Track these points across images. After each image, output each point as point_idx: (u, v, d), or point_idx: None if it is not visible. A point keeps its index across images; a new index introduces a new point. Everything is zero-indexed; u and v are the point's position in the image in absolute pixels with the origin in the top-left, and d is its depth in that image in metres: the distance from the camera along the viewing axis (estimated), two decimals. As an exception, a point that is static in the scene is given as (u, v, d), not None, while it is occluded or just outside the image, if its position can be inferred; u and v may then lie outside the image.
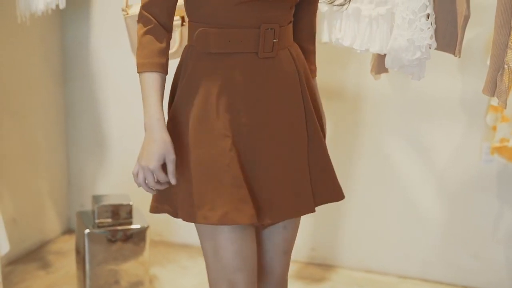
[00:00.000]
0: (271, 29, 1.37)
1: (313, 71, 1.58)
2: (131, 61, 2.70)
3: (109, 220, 2.48)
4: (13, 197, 2.76)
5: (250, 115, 1.39)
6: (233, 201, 1.34)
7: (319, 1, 1.56)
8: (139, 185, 1.38)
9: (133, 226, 2.50)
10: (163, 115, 1.37)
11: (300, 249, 2.78)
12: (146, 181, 1.37)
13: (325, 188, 1.51)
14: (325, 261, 2.81)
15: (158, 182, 1.38)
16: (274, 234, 1.53)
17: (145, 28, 1.36)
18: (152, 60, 1.35)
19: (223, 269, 1.39)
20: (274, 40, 1.38)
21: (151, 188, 1.39)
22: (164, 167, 1.37)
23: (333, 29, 1.92)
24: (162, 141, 1.34)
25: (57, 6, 2.52)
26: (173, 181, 1.36)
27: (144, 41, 1.35)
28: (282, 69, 1.42)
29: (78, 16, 2.97)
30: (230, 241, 1.38)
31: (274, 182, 1.43)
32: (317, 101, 1.54)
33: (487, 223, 2.58)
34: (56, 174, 3.06)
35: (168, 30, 1.39)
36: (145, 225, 2.52)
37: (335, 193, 1.53)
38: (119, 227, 2.48)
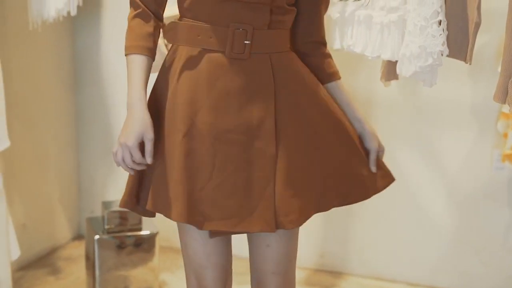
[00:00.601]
0: (242, 29, 1.36)
1: (334, 73, 1.57)
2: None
3: (119, 226, 2.49)
4: (24, 203, 2.77)
5: (212, 115, 1.37)
6: (169, 195, 1.37)
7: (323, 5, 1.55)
8: (118, 164, 1.40)
9: (143, 232, 2.51)
10: (145, 96, 1.39)
11: (309, 256, 2.77)
12: (124, 160, 1.39)
13: (303, 202, 1.41)
14: (334, 268, 2.81)
15: (135, 162, 1.39)
16: (257, 253, 1.49)
17: (134, 12, 1.42)
18: (138, 43, 1.39)
19: (190, 264, 1.48)
20: (246, 42, 1.36)
21: (129, 168, 1.40)
22: (142, 147, 1.39)
23: (344, 36, 1.92)
24: (141, 120, 1.36)
25: (68, 13, 2.54)
26: (149, 161, 1.38)
27: (132, 25, 1.42)
28: (253, 74, 1.39)
29: (89, 22, 2.99)
30: (193, 238, 1.45)
31: (225, 188, 1.37)
32: (332, 106, 1.51)
33: (497, 231, 2.57)
34: (66, 179, 3.07)
35: (157, 17, 1.43)
36: (155, 231, 2.52)
37: (305, 212, 1.42)
38: (129, 233, 2.49)
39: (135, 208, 1.50)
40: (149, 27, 1.41)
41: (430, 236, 2.66)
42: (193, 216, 1.37)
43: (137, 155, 1.38)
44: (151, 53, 1.41)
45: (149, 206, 1.42)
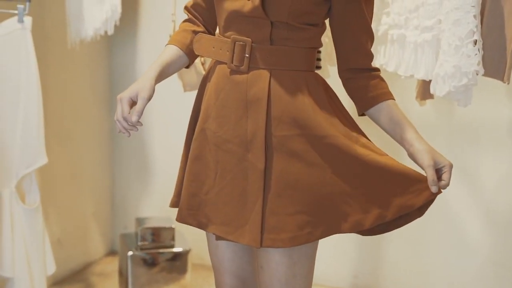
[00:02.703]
0: (242, 43, 1.40)
1: (379, 96, 1.45)
2: (176, 86, 2.76)
3: (152, 242, 2.50)
4: (59, 218, 2.82)
5: (216, 124, 1.44)
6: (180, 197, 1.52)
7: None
8: (115, 120, 1.42)
9: (175, 249, 2.52)
10: (157, 69, 1.46)
11: (343, 277, 2.74)
12: (116, 114, 1.40)
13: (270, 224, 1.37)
14: (367, 289, 2.77)
15: (123, 121, 1.39)
16: (257, 274, 1.47)
17: (184, 19, 1.57)
18: (174, 37, 1.53)
19: (213, 269, 1.58)
20: (246, 55, 1.39)
21: (121, 126, 1.40)
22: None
23: (377, 55, 1.91)
24: (141, 81, 1.42)
25: (106, 32, 2.59)
26: (133, 118, 1.38)
27: (179, 27, 1.56)
28: (251, 88, 1.40)
29: (125, 41, 3.05)
30: (209, 240, 1.56)
31: (224, 195, 1.42)
32: (337, 135, 1.39)
33: (536, 254, 2.50)
34: (100, 196, 3.11)
35: (205, 26, 1.55)
36: (187, 248, 2.53)
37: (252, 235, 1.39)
38: (162, 250, 2.50)
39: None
40: (188, 27, 1.54)
41: (465, 257, 2.61)
42: (196, 217, 1.46)
43: (125, 108, 1.39)
44: (181, 45, 1.51)
45: (171, 204, 1.54)
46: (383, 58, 1.89)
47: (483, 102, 2.41)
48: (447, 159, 1.43)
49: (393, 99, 1.46)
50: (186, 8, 1.56)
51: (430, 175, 1.39)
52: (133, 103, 1.41)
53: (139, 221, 2.58)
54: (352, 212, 1.38)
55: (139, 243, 2.50)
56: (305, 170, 1.37)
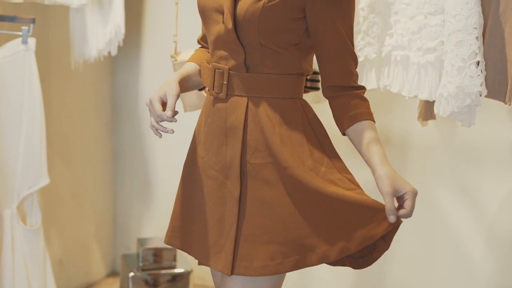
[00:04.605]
0: (220, 70, 1.42)
1: (356, 116, 1.40)
2: (177, 107, 2.76)
3: (153, 263, 2.49)
4: (60, 239, 2.81)
5: (203, 150, 1.47)
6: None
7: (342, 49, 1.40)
8: (150, 127, 1.44)
9: (177, 270, 2.51)
10: (180, 74, 1.49)
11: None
12: (150, 117, 1.43)
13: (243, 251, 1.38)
14: (370, 310, 2.74)
15: (158, 119, 1.40)
16: None
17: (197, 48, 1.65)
18: (192, 56, 1.59)
19: None
20: (224, 83, 1.41)
21: (155, 128, 1.41)
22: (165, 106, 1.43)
23: (381, 76, 1.92)
24: (168, 81, 1.45)
25: (109, 52, 2.61)
26: (168, 114, 1.39)
27: (194, 51, 1.63)
28: (229, 115, 1.42)
29: (128, 62, 3.06)
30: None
31: (206, 220, 1.45)
32: (301, 166, 1.37)
33: (541, 275, 2.48)
34: (102, 216, 3.11)
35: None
36: (189, 269, 2.52)
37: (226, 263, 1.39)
38: (163, 271, 2.49)
39: None
40: (200, 52, 1.60)
41: (469, 279, 2.59)
42: (181, 240, 1.51)
43: (157, 107, 1.40)
44: (197, 60, 1.56)
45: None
46: (387, 79, 1.90)
47: (485, 123, 2.41)
48: (411, 185, 1.37)
49: (371, 119, 1.41)
50: (198, 41, 1.63)
51: (387, 203, 1.33)
52: (163, 103, 1.42)
53: (141, 241, 2.56)
54: (319, 244, 1.36)
55: (141, 264, 2.48)
56: (277, 199, 1.37)
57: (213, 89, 1.44)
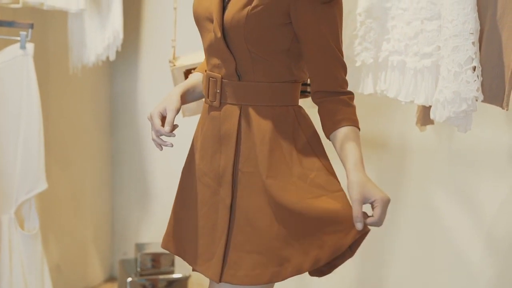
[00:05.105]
0: (213, 78, 1.43)
1: (340, 121, 1.39)
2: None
3: (151, 268, 2.49)
4: (58, 244, 2.80)
5: (198, 157, 1.49)
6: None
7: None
8: (152, 140, 1.47)
9: (175, 275, 2.50)
10: (183, 87, 1.51)
11: (343, 303, 2.71)
12: (151, 131, 1.46)
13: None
14: (369, 316, 2.74)
15: (158, 134, 1.44)
16: None
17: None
18: (199, 67, 1.62)
19: None
20: (217, 91, 1.43)
21: (156, 142, 1.45)
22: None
23: (378, 81, 1.92)
24: (169, 96, 1.48)
25: (107, 57, 2.61)
26: (166, 129, 1.42)
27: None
28: (223, 124, 1.44)
29: (127, 67, 3.06)
30: None
31: (199, 227, 1.47)
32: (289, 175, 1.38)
33: (539, 281, 2.48)
34: (100, 221, 3.10)
35: None
36: (187, 274, 2.52)
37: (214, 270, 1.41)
38: (161, 276, 2.49)
39: None
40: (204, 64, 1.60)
41: (467, 283, 2.58)
42: (176, 245, 1.52)
43: (156, 121, 1.44)
44: (202, 70, 1.57)
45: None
46: (384, 84, 1.90)
47: (482, 128, 2.42)
48: (383, 193, 1.35)
49: (353, 125, 1.40)
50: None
51: (354, 210, 1.32)
52: (163, 118, 1.45)
53: (139, 247, 2.56)
54: (295, 255, 1.35)
55: (139, 269, 2.48)
56: (262, 209, 1.38)
57: (208, 97, 1.46)
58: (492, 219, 2.54)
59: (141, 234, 3.11)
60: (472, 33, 1.63)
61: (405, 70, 1.84)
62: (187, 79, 1.56)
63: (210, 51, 1.45)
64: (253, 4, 1.35)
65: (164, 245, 1.56)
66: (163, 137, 1.45)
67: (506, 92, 1.66)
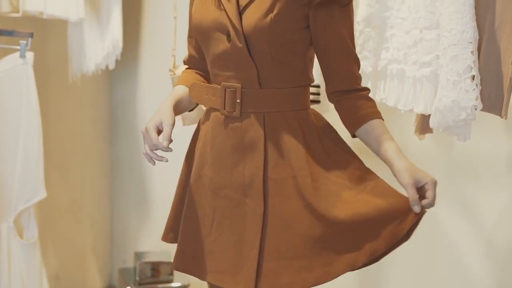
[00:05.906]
0: (232, 89, 1.41)
1: (364, 116, 1.43)
2: (176, 121, 2.77)
3: (151, 277, 2.48)
4: (57, 252, 2.80)
5: (212, 170, 1.45)
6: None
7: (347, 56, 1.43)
8: (144, 153, 1.44)
9: (174, 284, 2.50)
10: (173, 100, 1.50)
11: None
12: (145, 145, 1.43)
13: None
14: (368, 325, 2.73)
15: (153, 148, 1.41)
16: None
17: (184, 68, 1.65)
18: (180, 78, 1.59)
19: None
20: (237, 101, 1.41)
21: (149, 156, 1.42)
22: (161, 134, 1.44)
23: (377, 90, 1.93)
24: (162, 109, 1.46)
25: (107, 66, 2.62)
26: (164, 144, 1.40)
27: (182, 73, 1.63)
28: (246, 133, 1.42)
29: (126, 75, 3.07)
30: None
31: (221, 243, 1.42)
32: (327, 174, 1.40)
33: (539, 289, 2.48)
34: (99, 230, 3.10)
35: (202, 71, 1.58)
36: (186, 283, 2.51)
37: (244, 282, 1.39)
38: (160, 285, 2.48)
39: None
40: (188, 74, 1.59)
41: (467, 293, 2.58)
42: (192, 265, 1.48)
43: (153, 136, 1.41)
44: (185, 82, 1.56)
45: (169, 240, 1.64)
46: (383, 92, 1.91)
47: (482, 137, 2.42)
48: (430, 175, 1.41)
49: (379, 118, 1.45)
50: (184, 62, 1.64)
51: (411, 194, 1.38)
52: (158, 131, 1.43)
53: (138, 255, 2.56)
54: (345, 253, 1.36)
55: (138, 278, 2.48)
56: (299, 213, 1.37)
57: (224, 108, 1.43)
58: (491, 227, 2.54)
59: (140, 242, 3.10)
60: (470, 42, 1.64)
61: (404, 78, 1.84)
62: (173, 92, 1.54)
63: (221, 62, 1.43)
64: (275, 11, 1.37)
65: (176, 267, 1.53)
66: (158, 152, 1.42)
67: (505, 101, 1.66)
